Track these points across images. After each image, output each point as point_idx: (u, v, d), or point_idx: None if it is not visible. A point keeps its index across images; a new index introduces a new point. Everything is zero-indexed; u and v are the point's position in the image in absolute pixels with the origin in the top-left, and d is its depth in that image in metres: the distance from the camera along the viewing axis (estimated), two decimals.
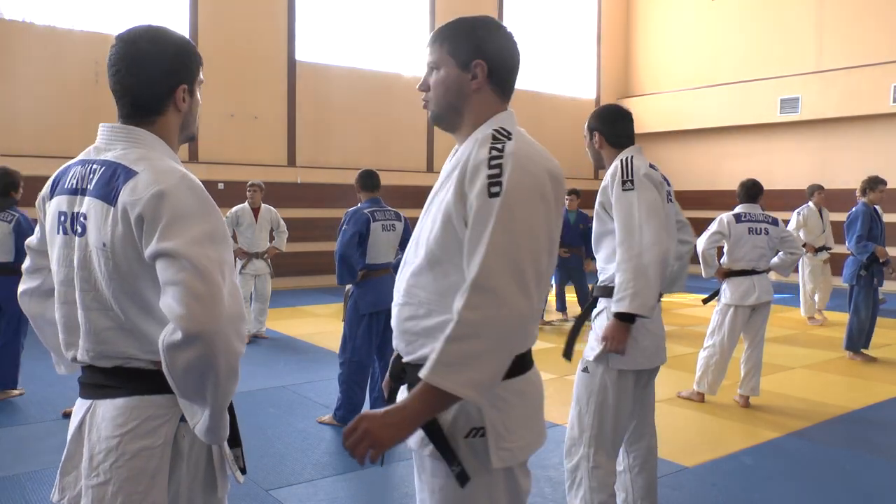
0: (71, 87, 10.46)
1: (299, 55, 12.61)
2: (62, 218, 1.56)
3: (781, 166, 13.90)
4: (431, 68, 1.66)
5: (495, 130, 1.56)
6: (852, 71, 13.14)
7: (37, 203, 1.69)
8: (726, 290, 5.33)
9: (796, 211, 8.96)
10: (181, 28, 11.33)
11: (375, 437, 1.41)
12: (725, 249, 5.37)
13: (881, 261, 6.85)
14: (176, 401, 1.54)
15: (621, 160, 2.81)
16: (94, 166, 1.55)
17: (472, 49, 1.59)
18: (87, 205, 1.51)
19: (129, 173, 1.47)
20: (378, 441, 1.41)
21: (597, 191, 2.90)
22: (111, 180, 1.49)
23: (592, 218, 3.01)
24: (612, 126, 2.94)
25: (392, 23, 13.62)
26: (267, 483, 3.74)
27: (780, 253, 5.49)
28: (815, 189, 8.95)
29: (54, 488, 1.63)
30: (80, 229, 1.52)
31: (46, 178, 1.70)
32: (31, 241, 1.75)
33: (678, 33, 16.25)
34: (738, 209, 5.42)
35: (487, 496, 1.55)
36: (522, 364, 1.58)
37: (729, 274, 5.30)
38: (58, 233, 1.57)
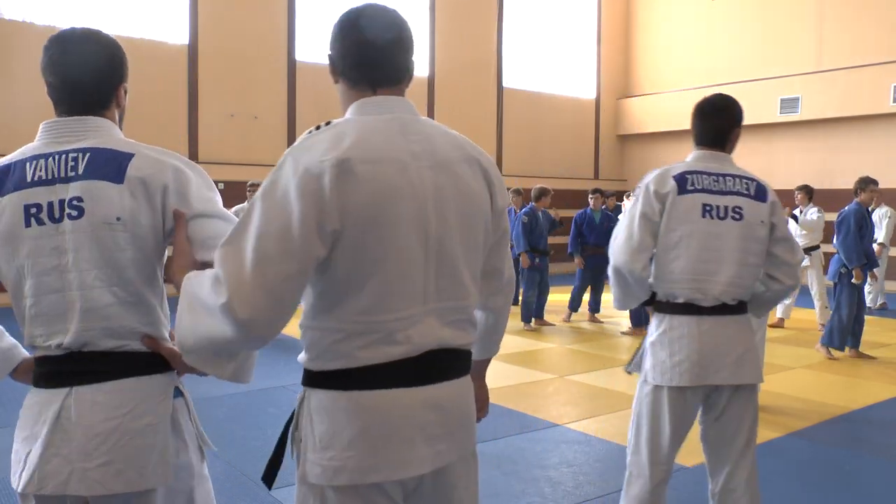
0: None
1: (299, 55, 12.61)
2: (33, 210, 1.57)
3: (781, 166, 13.89)
4: None
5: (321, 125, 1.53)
6: (852, 71, 13.13)
7: None
8: None
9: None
10: (181, 28, 11.33)
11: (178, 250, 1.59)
12: None
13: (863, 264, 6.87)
14: (170, 379, 1.66)
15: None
16: (73, 154, 1.59)
17: (329, 44, 1.57)
18: (82, 188, 1.57)
19: (127, 155, 1.60)
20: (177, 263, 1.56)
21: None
22: (109, 162, 1.59)
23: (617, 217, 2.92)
24: (694, 126, 2.78)
25: None
26: None
27: None
28: (797, 191, 8.65)
29: (29, 478, 1.58)
30: (75, 213, 1.56)
31: None
32: None
33: (678, 33, 16.25)
34: None
35: None
36: (352, 380, 1.43)
37: None
38: (27, 226, 1.57)
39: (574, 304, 9.14)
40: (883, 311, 10.25)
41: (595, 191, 8.97)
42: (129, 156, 1.60)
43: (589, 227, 8.85)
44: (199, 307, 1.39)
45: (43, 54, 1.64)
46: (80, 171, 1.58)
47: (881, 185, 10.98)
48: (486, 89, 14.96)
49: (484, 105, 14.85)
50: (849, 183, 7.82)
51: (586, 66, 16.91)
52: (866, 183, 7.02)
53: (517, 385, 5.92)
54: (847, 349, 7.15)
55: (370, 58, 1.51)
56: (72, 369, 1.59)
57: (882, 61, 12.77)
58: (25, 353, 1.70)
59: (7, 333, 1.72)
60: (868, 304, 10.19)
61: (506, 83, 15.39)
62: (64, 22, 10.55)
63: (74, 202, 1.57)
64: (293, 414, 1.54)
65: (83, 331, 1.57)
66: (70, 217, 1.56)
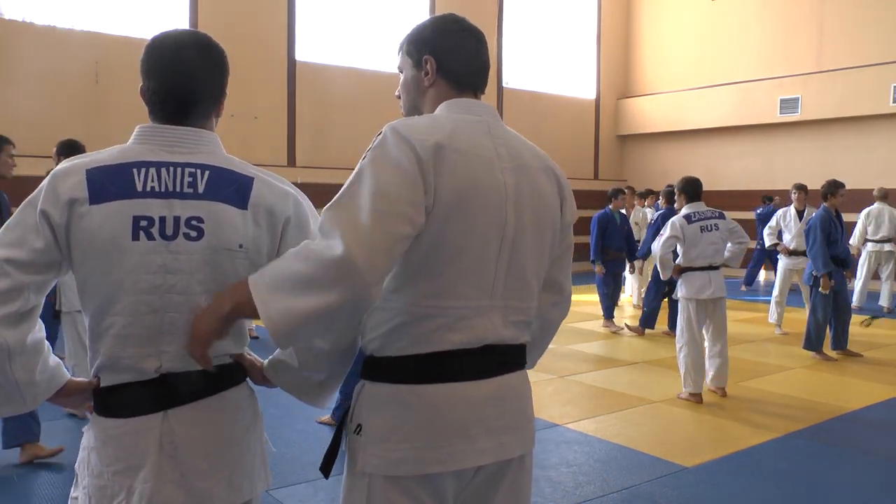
0: (71, 87, 10.45)
1: (299, 55, 12.61)
2: (143, 223, 1.46)
3: (782, 166, 13.89)
4: (400, 73, 1.67)
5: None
6: (852, 71, 13.14)
7: (47, 207, 1.44)
8: (682, 285, 5.57)
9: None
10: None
11: (195, 330, 1.42)
12: (681, 251, 5.61)
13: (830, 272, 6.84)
14: (251, 385, 1.67)
15: None
16: (190, 170, 1.52)
17: (422, 46, 1.59)
18: (203, 208, 1.50)
19: (247, 179, 1.57)
20: (196, 334, 1.42)
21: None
22: (230, 185, 1.54)
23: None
24: None
25: (392, 23, 13.62)
26: None
27: (730, 244, 5.69)
28: (795, 189, 8.50)
29: None
30: (193, 234, 1.48)
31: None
32: (22, 254, 1.44)
33: (678, 33, 16.25)
34: (685, 210, 5.65)
35: (352, 497, 1.51)
36: (412, 372, 1.45)
37: (683, 270, 5.55)
38: (134, 239, 1.45)
39: (609, 312, 8.65)
40: (883, 310, 10.22)
41: (621, 190, 8.47)
42: (250, 180, 1.57)
43: (613, 229, 8.36)
44: (291, 286, 1.33)
45: (146, 56, 1.54)
46: (201, 189, 1.50)
47: (881, 185, 10.99)
48: (485, 89, 14.96)
49: None
50: (849, 183, 7.81)
51: (586, 66, 16.91)
52: (836, 187, 6.96)
53: None
54: (835, 352, 7.16)
55: (476, 65, 1.62)
56: (165, 392, 1.50)
57: (882, 61, 12.77)
58: (68, 374, 1.56)
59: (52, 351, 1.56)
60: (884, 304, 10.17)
61: (506, 83, 15.39)
62: (64, 22, 10.56)
63: (193, 222, 1.49)
64: (349, 406, 1.55)
65: (187, 355, 1.50)
66: (187, 237, 1.48)
